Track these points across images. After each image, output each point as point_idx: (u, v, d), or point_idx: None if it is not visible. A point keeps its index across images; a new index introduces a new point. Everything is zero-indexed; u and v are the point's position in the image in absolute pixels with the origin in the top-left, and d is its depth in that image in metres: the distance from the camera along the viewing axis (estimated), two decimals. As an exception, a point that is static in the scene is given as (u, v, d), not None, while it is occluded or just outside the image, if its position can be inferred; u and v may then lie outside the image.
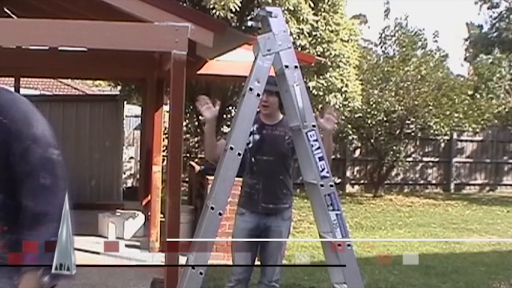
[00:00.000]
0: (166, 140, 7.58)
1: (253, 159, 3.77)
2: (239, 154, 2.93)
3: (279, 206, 3.85)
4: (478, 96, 14.13)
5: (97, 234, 7.18)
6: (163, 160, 7.46)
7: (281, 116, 3.83)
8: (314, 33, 7.91)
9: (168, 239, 4.20)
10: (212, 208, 2.92)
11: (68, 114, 10.21)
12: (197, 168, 9.14)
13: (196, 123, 10.90)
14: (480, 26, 20.34)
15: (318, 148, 3.54)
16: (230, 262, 4.19)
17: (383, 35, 13.61)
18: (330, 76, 8.25)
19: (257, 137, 3.77)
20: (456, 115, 12.83)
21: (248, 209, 3.83)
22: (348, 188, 14.36)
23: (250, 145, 3.71)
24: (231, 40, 4.94)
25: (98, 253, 6.46)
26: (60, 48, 5.52)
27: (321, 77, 8.22)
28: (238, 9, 6.98)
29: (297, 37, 7.51)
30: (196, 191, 8.55)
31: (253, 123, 3.47)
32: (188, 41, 4.25)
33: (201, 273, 2.78)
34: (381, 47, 13.81)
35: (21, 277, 1.88)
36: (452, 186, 15.32)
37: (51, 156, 1.98)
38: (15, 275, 1.91)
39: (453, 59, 18.07)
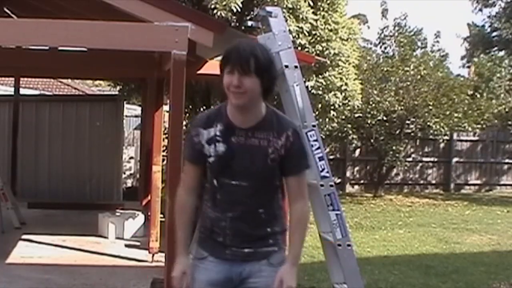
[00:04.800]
0: (166, 140, 7.58)
1: (215, 182, 2.38)
2: None
3: (260, 250, 2.41)
4: (478, 96, 14.13)
5: (97, 234, 7.18)
6: (163, 160, 7.46)
7: (263, 111, 2.36)
8: (313, 32, 7.91)
9: (168, 239, 4.20)
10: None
11: (68, 114, 10.23)
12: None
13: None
14: (482, 26, 20.34)
15: (318, 148, 3.55)
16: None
17: (382, 35, 13.61)
18: (329, 75, 8.25)
19: (221, 147, 2.33)
20: (456, 115, 12.83)
21: (211, 253, 2.43)
22: (348, 188, 14.35)
23: (211, 158, 2.34)
24: (231, 40, 4.94)
25: (98, 253, 6.48)
26: (60, 48, 5.52)
27: (320, 76, 8.22)
28: (239, 9, 6.98)
29: (297, 36, 7.50)
30: (196, 191, 8.53)
31: (214, 121, 2.36)
32: (188, 41, 4.25)
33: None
34: (381, 47, 13.82)
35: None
36: (452, 186, 15.31)
37: None
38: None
39: (453, 59, 18.06)
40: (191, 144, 2.40)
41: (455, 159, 15.31)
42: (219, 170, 2.36)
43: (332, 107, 8.57)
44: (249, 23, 8.16)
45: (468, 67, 17.07)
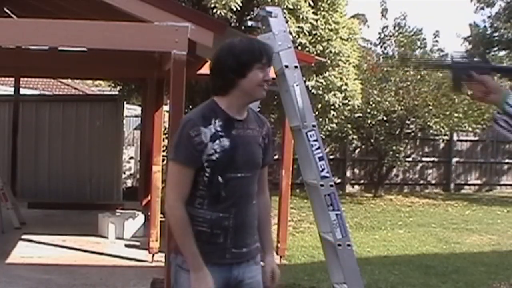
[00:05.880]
0: (166, 140, 7.58)
1: (219, 179, 2.32)
2: None
3: (253, 247, 2.46)
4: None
5: (97, 234, 7.18)
6: (163, 160, 7.46)
7: None
8: (313, 31, 7.91)
9: (168, 239, 4.20)
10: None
11: (68, 114, 10.23)
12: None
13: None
14: (484, 27, 20.30)
15: (318, 148, 3.55)
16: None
17: (382, 35, 13.60)
18: (329, 75, 8.25)
19: (226, 142, 2.31)
20: (456, 115, 12.81)
21: (208, 261, 2.31)
22: (348, 188, 14.34)
23: (216, 155, 2.30)
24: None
25: (98, 253, 6.48)
26: (60, 48, 5.52)
27: (320, 76, 8.22)
28: (239, 8, 6.98)
29: (297, 36, 7.51)
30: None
31: (211, 118, 2.33)
32: (188, 41, 4.26)
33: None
34: (381, 47, 13.81)
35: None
36: (452, 186, 15.31)
37: None
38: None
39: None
40: (191, 145, 2.28)
41: (455, 159, 15.31)
42: (225, 165, 2.32)
43: (332, 107, 8.57)
44: (249, 23, 8.17)
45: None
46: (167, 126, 6.35)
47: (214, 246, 2.35)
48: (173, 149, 2.37)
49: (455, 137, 15.12)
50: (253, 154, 2.41)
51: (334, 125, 10.01)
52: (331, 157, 13.74)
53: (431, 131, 13.45)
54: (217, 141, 2.30)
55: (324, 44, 8.02)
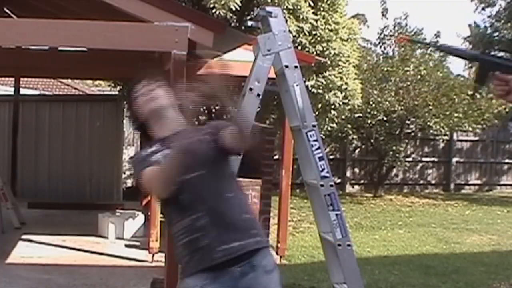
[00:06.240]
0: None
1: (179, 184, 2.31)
2: (239, 155, 2.89)
3: (247, 241, 2.35)
4: (478, 96, 14.10)
5: (97, 234, 7.18)
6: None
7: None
8: (313, 32, 7.91)
9: (168, 239, 4.20)
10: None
11: (68, 114, 10.23)
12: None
13: (196, 123, 10.85)
14: (484, 27, 20.28)
15: (318, 148, 3.55)
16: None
17: (382, 35, 13.59)
18: (329, 74, 8.26)
19: (165, 151, 2.34)
20: (456, 115, 12.81)
21: (202, 269, 2.32)
22: (348, 188, 14.34)
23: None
24: (231, 40, 4.95)
25: (98, 253, 6.48)
26: (60, 48, 5.53)
27: (320, 75, 8.22)
28: (238, 8, 6.98)
29: (297, 36, 7.51)
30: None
31: (149, 145, 2.48)
32: (188, 41, 4.26)
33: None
34: (380, 47, 13.80)
35: None
36: (452, 186, 15.31)
37: None
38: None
39: (453, 59, 17.97)
40: (144, 157, 2.41)
41: (455, 159, 15.31)
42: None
43: (332, 107, 8.57)
44: (249, 23, 8.17)
45: (471, 67, 17.00)
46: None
47: (201, 250, 2.31)
48: (135, 171, 2.45)
49: (455, 137, 15.11)
50: (199, 151, 2.36)
51: (334, 125, 10.01)
52: (331, 157, 13.73)
53: (431, 131, 13.44)
54: (157, 155, 2.37)
55: (324, 44, 8.02)
